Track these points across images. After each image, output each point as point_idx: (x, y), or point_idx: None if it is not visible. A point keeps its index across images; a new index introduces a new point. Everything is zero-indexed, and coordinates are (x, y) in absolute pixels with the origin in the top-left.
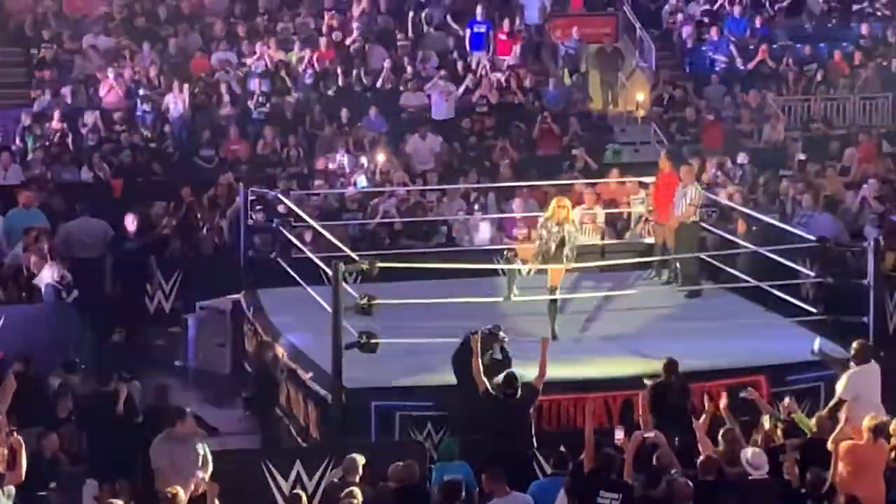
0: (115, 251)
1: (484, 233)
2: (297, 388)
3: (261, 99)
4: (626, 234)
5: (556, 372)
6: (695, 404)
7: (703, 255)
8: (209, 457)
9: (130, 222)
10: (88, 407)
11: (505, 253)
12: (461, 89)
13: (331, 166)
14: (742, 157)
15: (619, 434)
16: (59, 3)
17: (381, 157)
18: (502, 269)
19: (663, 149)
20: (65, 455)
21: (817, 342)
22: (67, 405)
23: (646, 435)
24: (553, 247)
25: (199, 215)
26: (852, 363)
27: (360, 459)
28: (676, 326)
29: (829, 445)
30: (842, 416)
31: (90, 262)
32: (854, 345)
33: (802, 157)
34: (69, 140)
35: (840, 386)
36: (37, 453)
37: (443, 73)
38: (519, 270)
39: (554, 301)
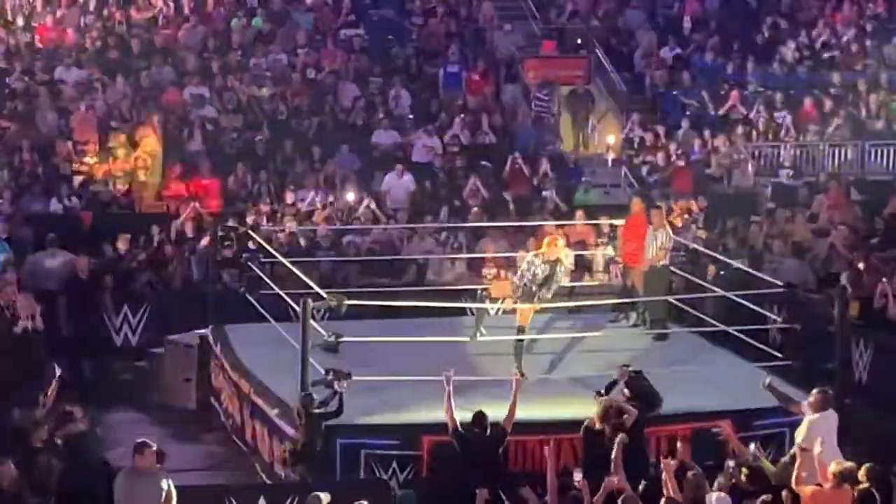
0: (68, 288)
1: (454, 272)
2: (262, 425)
3: (233, 134)
4: (594, 275)
5: (522, 412)
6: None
7: (671, 299)
8: (173, 492)
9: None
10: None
11: (479, 292)
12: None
13: (300, 204)
14: (703, 201)
15: (578, 475)
16: (31, 35)
17: (350, 196)
18: (470, 309)
19: (634, 191)
20: (29, 486)
21: (768, 378)
22: (41, 435)
23: (614, 479)
24: (534, 286)
25: (168, 249)
26: (809, 410)
27: (325, 497)
28: (642, 369)
29: (794, 487)
30: (799, 461)
31: (55, 294)
32: (813, 392)
33: (771, 205)
34: (40, 171)
35: (800, 434)
36: None
37: (429, 127)
38: (488, 310)
39: (521, 340)
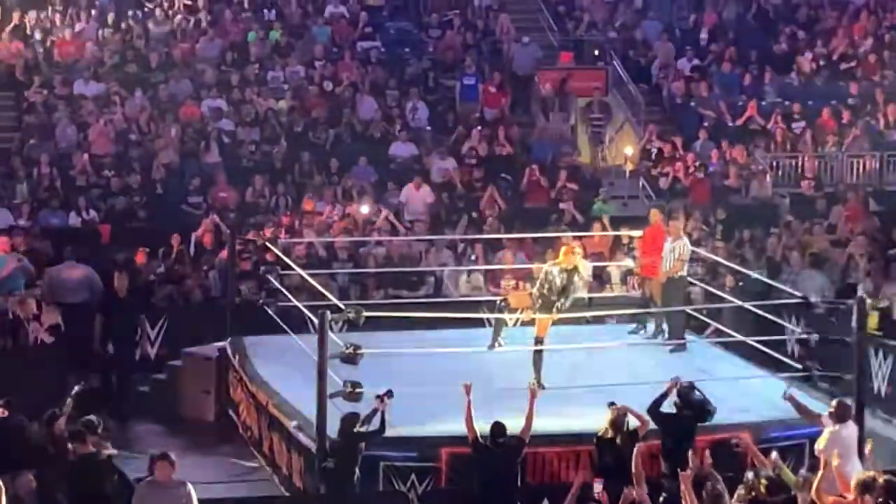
0: (104, 310)
1: (471, 283)
2: (280, 437)
3: (250, 147)
4: (612, 287)
5: (541, 424)
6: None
7: (688, 310)
8: (194, 501)
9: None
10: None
11: (497, 302)
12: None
13: (318, 216)
14: (721, 213)
15: (598, 487)
16: (50, 49)
17: (364, 209)
18: (489, 320)
19: (652, 203)
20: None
21: (789, 389)
22: (60, 449)
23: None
24: (552, 296)
25: (187, 262)
26: (830, 421)
27: None
28: (661, 380)
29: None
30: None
31: (75, 308)
32: (833, 403)
33: (789, 218)
34: (58, 184)
35: (820, 445)
36: (14, 498)
37: (442, 149)
38: (506, 321)
39: (539, 351)
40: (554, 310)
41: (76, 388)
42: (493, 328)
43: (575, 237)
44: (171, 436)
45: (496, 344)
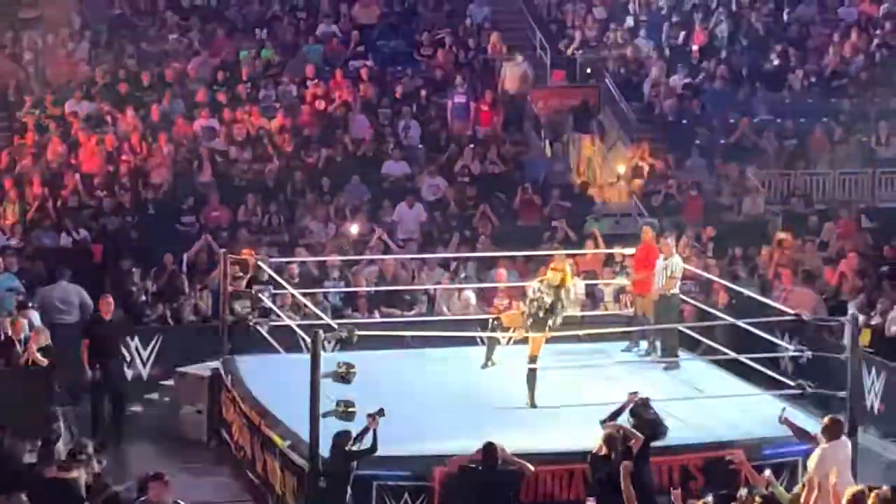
0: (89, 332)
1: (463, 302)
2: (273, 457)
3: (242, 166)
4: (605, 305)
5: (533, 443)
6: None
7: (681, 327)
8: None
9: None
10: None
11: (490, 321)
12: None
13: (310, 235)
14: (711, 231)
15: None
16: (42, 69)
17: (354, 229)
18: (481, 338)
19: (644, 221)
20: None
21: (784, 411)
22: (51, 471)
23: None
24: (541, 313)
25: (179, 281)
26: (823, 438)
27: None
28: (653, 398)
29: None
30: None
31: (66, 328)
32: (825, 420)
33: (782, 235)
34: (50, 204)
35: (812, 462)
36: None
37: (432, 168)
38: (499, 340)
39: (533, 370)
40: (545, 328)
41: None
42: (487, 347)
43: (568, 255)
44: (164, 456)
45: (489, 363)
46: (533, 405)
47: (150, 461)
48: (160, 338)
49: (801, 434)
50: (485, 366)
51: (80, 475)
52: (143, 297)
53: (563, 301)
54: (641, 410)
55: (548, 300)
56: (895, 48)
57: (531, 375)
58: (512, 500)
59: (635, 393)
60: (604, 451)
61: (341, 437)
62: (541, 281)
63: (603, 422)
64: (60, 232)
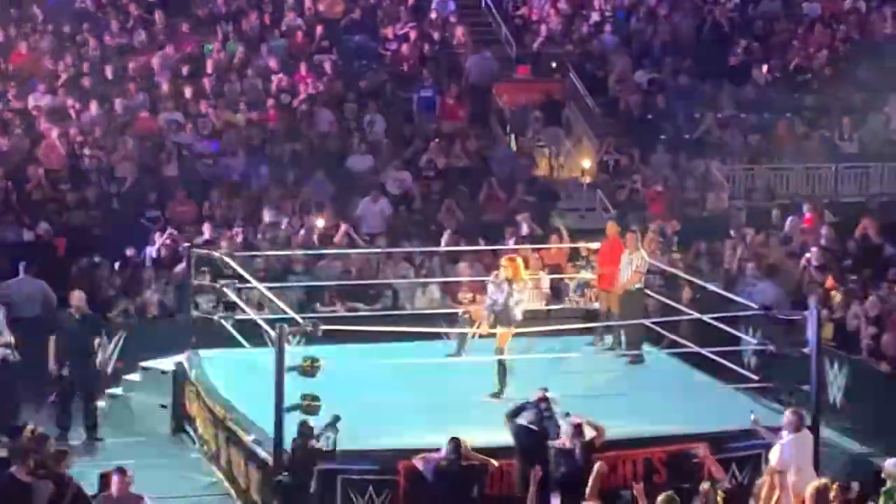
0: (59, 328)
1: (428, 297)
2: (238, 451)
3: (207, 160)
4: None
5: (497, 437)
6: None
7: (646, 322)
8: None
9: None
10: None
11: (459, 314)
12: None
13: (275, 229)
14: (676, 225)
15: (556, 501)
16: (5, 62)
17: (319, 223)
18: (447, 333)
19: (609, 215)
20: None
21: (754, 415)
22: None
23: None
24: (496, 307)
25: (144, 276)
26: (784, 432)
27: None
28: (618, 392)
29: None
30: (777, 483)
31: (29, 322)
32: (787, 413)
33: (747, 230)
34: (13, 198)
35: (774, 455)
36: None
37: (396, 162)
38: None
39: (502, 363)
40: (507, 322)
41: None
42: (458, 340)
43: (533, 250)
44: (128, 450)
45: (460, 353)
46: (498, 395)
47: (114, 455)
48: (124, 332)
49: (772, 435)
50: (456, 354)
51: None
52: (111, 292)
53: (515, 295)
54: (541, 408)
55: (501, 295)
56: (859, 43)
57: (500, 368)
58: (477, 494)
59: (545, 389)
60: (567, 444)
61: (305, 431)
62: (495, 276)
63: (508, 416)
64: (23, 226)
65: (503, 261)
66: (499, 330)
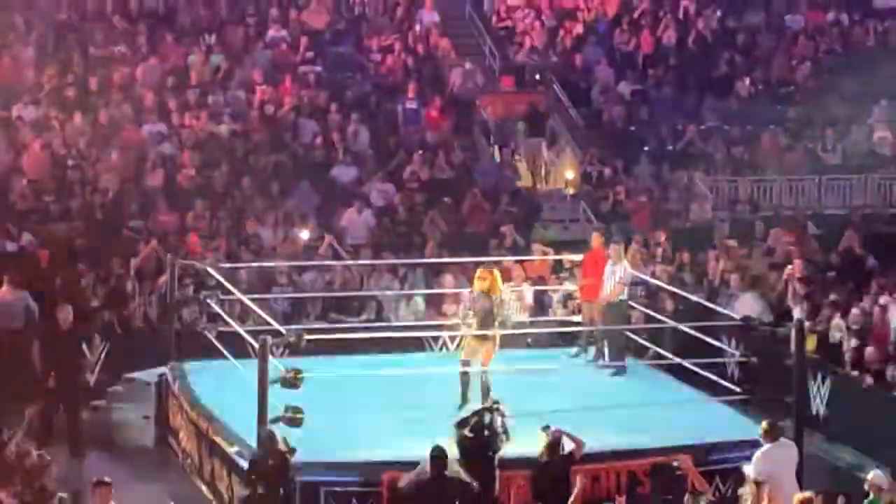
0: (44, 340)
1: (412, 308)
2: (221, 463)
3: (191, 171)
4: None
5: None
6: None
7: (629, 333)
8: None
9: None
10: None
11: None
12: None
13: (259, 241)
14: (660, 236)
15: None
16: None
17: (304, 234)
18: (429, 343)
19: (593, 227)
20: None
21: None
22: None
23: None
24: (475, 321)
25: (127, 287)
26: (762, 441)
27: None
28: (601, 404)
29: None
30: (761, 495)
31: (11, 334)
32: (763, 424)
33: (730, 242)
34: None
35: (752, 466)
36: None
37: (380, 173)
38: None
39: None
40: (488, 336)
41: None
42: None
43: (516, 261)
44: (111, 462)
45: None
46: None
47: (97, 467)
48: (107, 344)
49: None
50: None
51: None
52: (94, 303)
53: (495, 308)
54: (487, 419)
55: (480, 308)
56: (841, 56)
57: (485, 386)
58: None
59: (497, 401)
60: (545, 457)
61: (270, 436)
62: (470, 292)
63: (456, 426)
64: (6, 237)
65: (479, 272)
66: (479, 345)
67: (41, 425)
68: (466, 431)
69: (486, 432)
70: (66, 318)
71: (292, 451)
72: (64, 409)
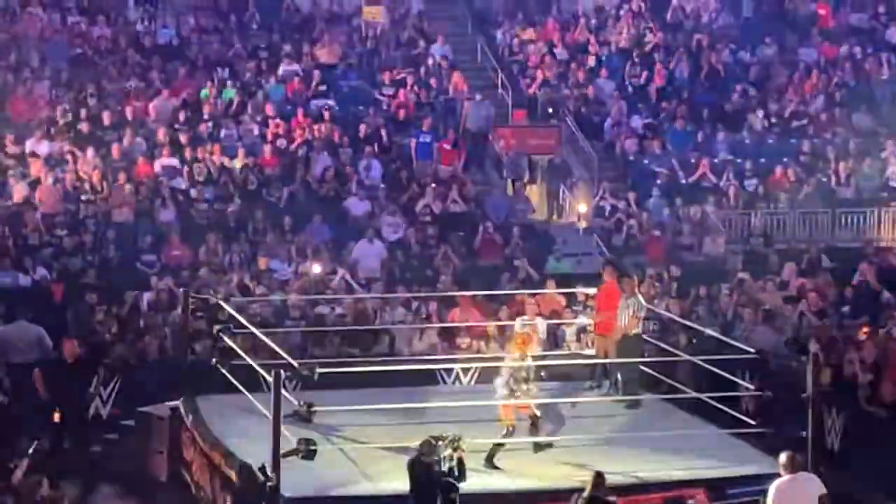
0: (52, 374)
1: (425, 342)
2: (234, 498)
3: (204, 205)
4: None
5: (491, 482)
6: None
7: (643, 367)
8: None
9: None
10: None
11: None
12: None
13: (272, 275)
14: (675, 270)
15: None
16: (2, 107)
17: (316, 269)
18: (442, 377)
19: (604, 260)
20: None
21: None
22: None
23: None
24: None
25: (140, 321)
26: (782, 473)
27: None
28: (615, 437)
29: None
30: None
31: (26, 368)
32: (782, 457)
33: (744, 275)
34: (10, 244)
35: (768, 498)
36: None
37: (392, 207)
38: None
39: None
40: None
41: (33, 446)
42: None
43: (530, 295)
44: (124, 496)
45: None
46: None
47: (109, 501)
48: (120, 377)
49: None
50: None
51: None
52: (108, 336)
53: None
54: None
55: (525, 374)
56: (854, 89)
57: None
58: None
59: (457, 437)
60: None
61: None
62: (513, 359)
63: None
64: (20, 271)
65: (525, 338)
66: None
67: (48, 458)
68: (422, 457)
69: (435, 464)
70: (71, 352)
71: (275, 483)
72: (71, 442)
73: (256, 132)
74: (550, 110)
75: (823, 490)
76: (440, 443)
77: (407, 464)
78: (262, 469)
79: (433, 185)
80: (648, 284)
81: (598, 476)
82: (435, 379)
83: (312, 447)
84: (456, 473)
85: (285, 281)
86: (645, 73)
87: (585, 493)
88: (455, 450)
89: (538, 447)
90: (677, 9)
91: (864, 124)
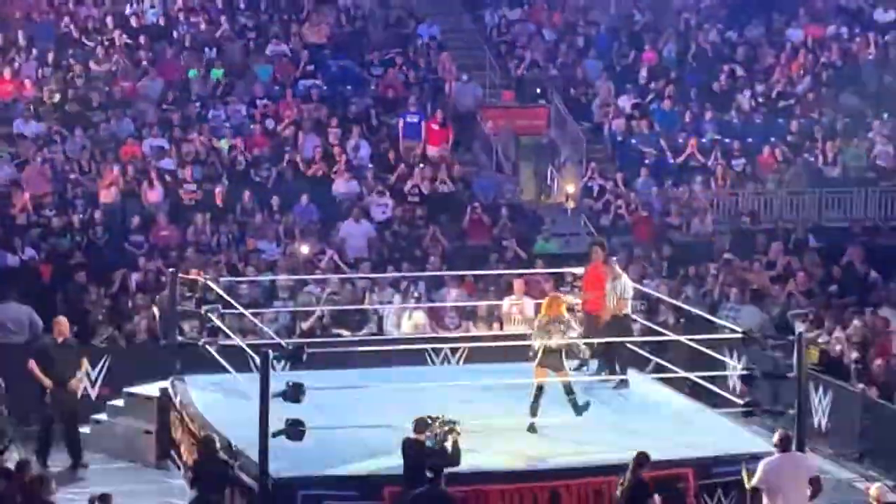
0: (40, 354)
1: (412, 322)
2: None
3: (192, 186)
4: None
5: (480, 461)
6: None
7: (631, 346)
8: None
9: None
10: None
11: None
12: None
13: (260, 255)
14: (667, 250)
15: None
16: None
17: (304, 249)
18: (430, 357)
19: (593, 240)
20: None
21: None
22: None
23: None
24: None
25: (128, 301)
26: (775, 450)
27: None
28: (603, 417)
29: None
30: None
31: (15, 349)
32: (775, 435)
33: (728, 256)
34: None
35: (756, 472)
36: None
37: (380, 188)
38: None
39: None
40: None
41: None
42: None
43: (518, 275)
44: (113, 476)
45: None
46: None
47: (98, 482)
48: (108, 357)
49: None
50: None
51: None
52: (97, 317)
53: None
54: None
55: (563, 329)
56: (841, 69)
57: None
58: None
59: (453, 421)
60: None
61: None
62: (546, 316)
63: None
64: (8, 251)
65: (559, 298)
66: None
67: (38, 438)
68: (416, 435)
69: (427, 441)
70: (61, 331)
71: (235, 458)
72: (60, 422)
73: (244, 113)
74: (538, 91)
75: (815, 471)
76: (434, 422)
77: (402, 441)
78: (228, 447)
79: (421, 165)
80: (638, 264)
81: (642, 455)
82: (423, 359)
83: (300, 427)
84: (449, 452)
85: (273, 261)
86: (633, 54)
87: (628, 474)
88: (450, 431)
89: (578, 409)
90: None
91: (851, 104)
